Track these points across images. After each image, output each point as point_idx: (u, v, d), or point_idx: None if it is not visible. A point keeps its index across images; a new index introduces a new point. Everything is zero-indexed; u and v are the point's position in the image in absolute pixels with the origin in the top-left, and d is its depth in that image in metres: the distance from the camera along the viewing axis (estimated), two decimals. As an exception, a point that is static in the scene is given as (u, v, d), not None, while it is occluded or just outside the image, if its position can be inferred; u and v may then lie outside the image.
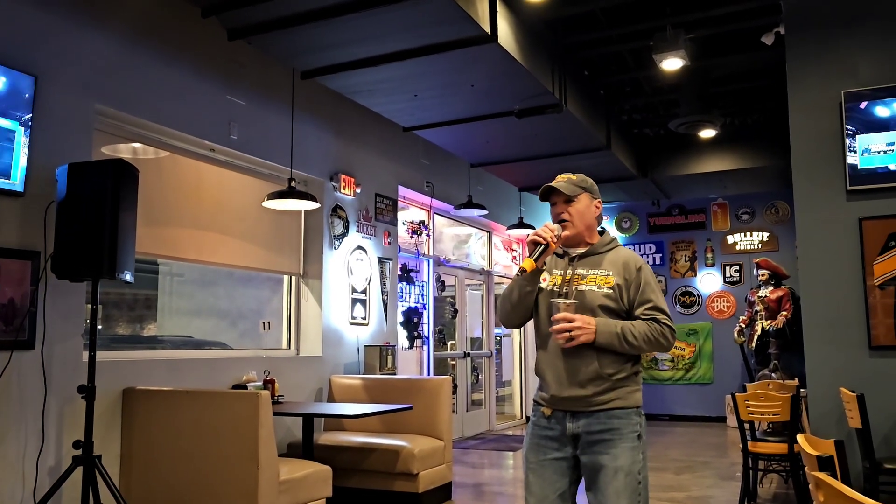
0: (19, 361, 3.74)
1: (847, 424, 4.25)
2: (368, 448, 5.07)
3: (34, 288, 3.81)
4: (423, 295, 8.08)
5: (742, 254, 10.57)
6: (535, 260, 2.33)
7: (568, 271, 2.44)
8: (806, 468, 2.03)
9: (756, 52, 6.19)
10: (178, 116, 4.85)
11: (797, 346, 6.39)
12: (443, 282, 8.67)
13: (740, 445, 5.01)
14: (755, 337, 8.99)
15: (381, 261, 6.96)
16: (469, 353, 9.10)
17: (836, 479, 1.61)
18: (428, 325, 8.08)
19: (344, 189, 6.42)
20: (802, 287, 4.76)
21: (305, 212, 6.12)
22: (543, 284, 2.45)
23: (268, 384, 5.14)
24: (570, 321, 2.28)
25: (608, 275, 2.39)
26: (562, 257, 2.50)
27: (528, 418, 10.34)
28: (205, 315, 7.34)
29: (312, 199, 5.27)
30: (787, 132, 4.88)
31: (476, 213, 8.11)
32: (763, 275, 9.10)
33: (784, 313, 8.72)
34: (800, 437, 2.11)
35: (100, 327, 4.14)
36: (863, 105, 4.59)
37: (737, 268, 10.60)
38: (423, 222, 8.17)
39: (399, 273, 7.42)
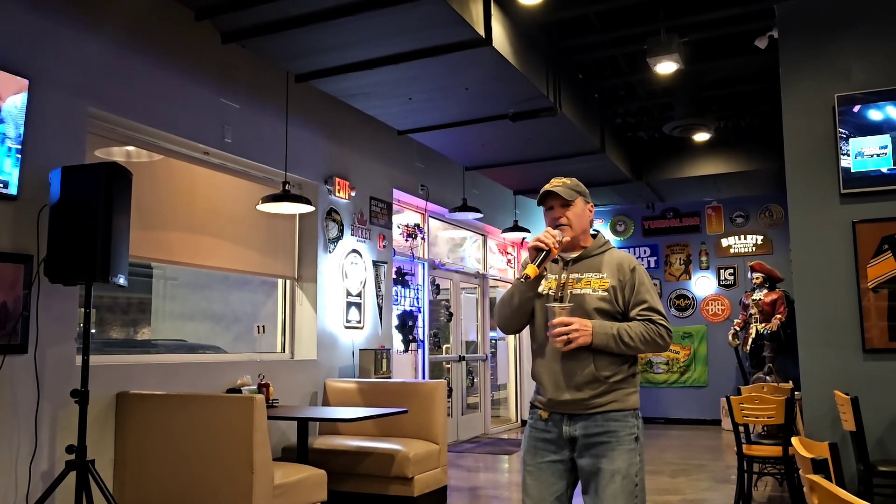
0: (12, 365, 3.72)
1: (841, 427, 4.26)
2: (363, 452, 5.06)
3: (27, 292, 3.79)
4: (418, 298, 8.07)
5: (736, 257, 10.59)
6: (538, 265, 2.34)
7: (563, 275, 2.44)
8: (800, 471, 2.03)
9: (750, 56, 6.21)
10: (171, 119, 4.84)
11: (791, 349, 6.41)
12: (438, 285, 8.67)
13: (735, 448, 5.01)
14: (750, 340, 9.00)
15: (375, 264, 6.95)
16: (464, 357, 9.09)
17: (831, 481, 1.61)
18: (423, 329, 8.07)
19: (338, 192, 6.42)
20: (796, 290, 4.78)
21: (300, 215, 6.11)
22: (539, 289, 2.46)
23: (262, 388, 5.13)
24: (566, 324, 2.29)
25: (602, 277, 2.40)
26: (556, 262, 2.50)
27: (523, 422, 10.35)
28: (199, 319, 7.31)
29: (307, 202, 5.26)
30: (781, 135, 4.90)
31: (471, 216, 8.11)
32: (757, 278, 9.11)
33: (778, 316, 8.74)
34: (794, 440, 2.11)
35: (93, 331, 4.12)
36: (856, 108, 4.61)
37: (731, 271, 10.62)
38: (417, 225, 8.17)
39: (394, 276, 7.41)
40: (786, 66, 4.90)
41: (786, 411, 4.72)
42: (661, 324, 2.36)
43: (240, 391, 4.91)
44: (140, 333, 7.02)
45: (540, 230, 2.53)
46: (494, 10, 4.99)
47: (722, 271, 10.68)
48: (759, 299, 9.01)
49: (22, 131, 3.77)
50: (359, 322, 6.65)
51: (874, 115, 4.58)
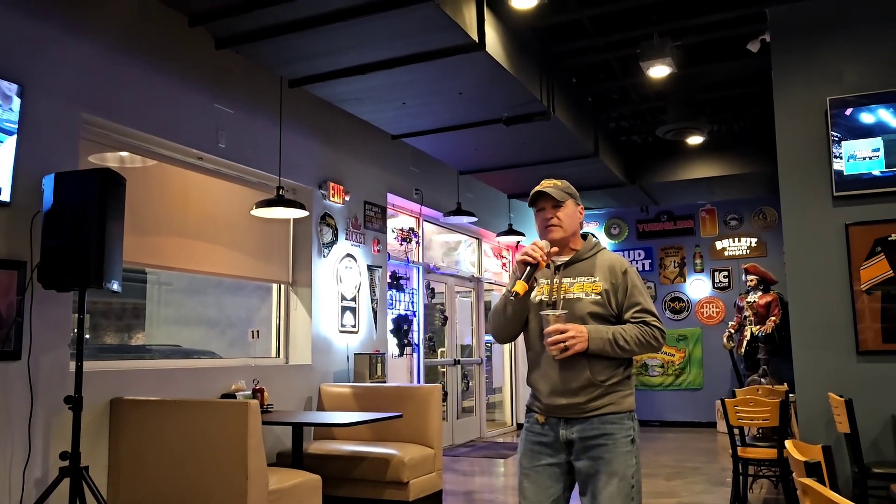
0: (5, 372, 3.71)
1: (836, 429, 4.27)
2: (358, 457, 5.05)
3: (20, 298, 3.78)
4: (412, 302, 8.07)
5: (730, 259, 10.62)
6: (527, 280, 2.34)
7: (554, 280, 2.44)
8: (794, 474, 2.03)
9: (742, 60, 6.23)
10: (165, 125, 4.83)
11: (786, 351, 6.42)
12: (433, 289, 8.66)
13: (730, 451, 5.02)
14: (744, 342, 9.02)
15: (370, 268, 6.95)
16: (459, 361, 9.09)
17: (824, 484, 1.62)
18: (418, 333, 8.07)
19: (333, 197, 6.42)
20: (790, 292, 4.79)
21: (294, 220, 6.11)
22: (532, 295, 2.45)
23: (257, 393, 5.12)
24: (562, 332, 2.28)
25: (595, 281, 2.40)
26: (547, 266, 2.50)
27: (519, 425, 10.37)
28: (193, 324, 7.30)
29: (301, 207, 5.26)
30: (774, 139, 4.92)
31: (465, 220, 8.11)
32: (751, 280, 9.14)
33: (773, 318, 8.76)
34: (788, 443, 2.11)
35: (87, 337, 4.12)
36: (848, 112, 4.63)
37: (725, 273, 10.65)
38: (412, 230, 8.17)
39: (389, 281, 7.41)
40: (778, 69, 4.92)
41: (780, 414, 4.73)
42: (654, 325, 2.36)
43: (234, 396, 4.89)
44: (134, 339, 7.01)
45: (534, 234, 2.53)
46: (488, 15, 5.00)
47: (716, 274, 10.70)
48: (754, 302, 9.04)
49: (15, 137, 3.76)
50: (353, 326, 6.64)
51: (866, 118, 4.60)
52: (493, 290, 10.31)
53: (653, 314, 2.38)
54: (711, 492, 5.88)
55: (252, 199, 5.41)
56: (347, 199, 6.63)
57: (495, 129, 6.51)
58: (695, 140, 7.76)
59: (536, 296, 2.44)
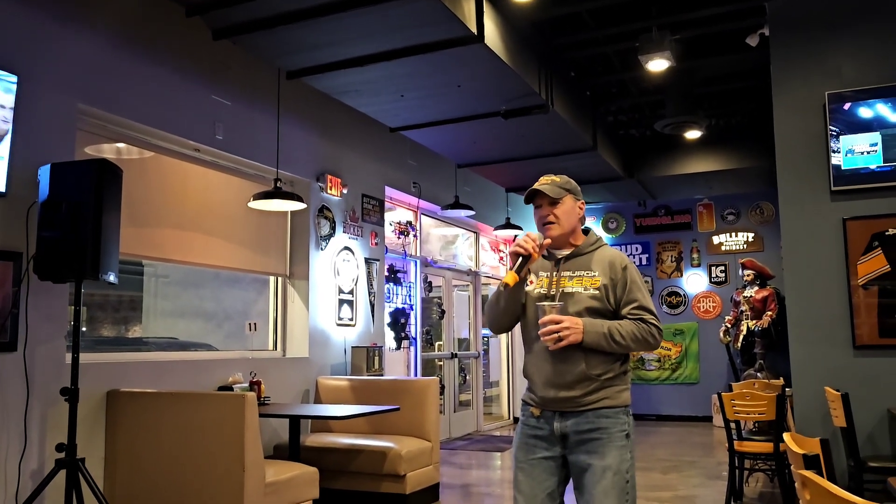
0: (1, 364, 3.70)
1: (832, 423, 4.28)
2: (355, 449, 5.05)
3: (16, 289, 3.76)
4: (410, 296, 8.07)
5: (727, 254, 10.63)
6: (518, 272, 2.33)
7: (554, 273, 2.44)
8: (792, 467, 2.03)
9: (741, 54, 6.23)
10: (162, 116, 4.81)
11: (782, 345, 6.44)
12: (430, 283, 8.66)
13: (726, 445, 5.03)
14: (741, 337, 9.04)
15: (367, 261, 6.94)
16: (456, 354, 9.09)
17: (822, 477, 1.62)
18: (415, 326, 8.07)
19: (330, 189, 6.40)
20: (787, 287, 4.80)
21: (292, 212, 6.09)
22: (530, 288, 2.45)
23: (254, 386, 5.11)
24: (557, 322, 2.28)
25: (594, 275, 2.39)
26: (548, 259, 2.50)
27: (515, 419, 10.38)
28: (190, 316, 7.29)
29: (299, 199, 5.25)
30: (772, 133, 4.91)
31: (463, 213, 8.10)
32: (748, 275, 9.15)
33: (769, 313, 8.78)
34: (786, 436, 2.12)
35: (84, 329, 4.11)
36: (846, 106, 4.63)
37: (722, 268, 10.66)
38: (410, 223, 8.16)
39: (386, 274, 7.40)
40: (777, 63, 4.92)
41: (777, 408, 4.74)
42: (652, 323, 2.36)
43: (231, 389, 4.89)
44: (131, 331, 7.00)
45: (532, 228, 2.52)
46: (487, 8, 4.98)
47: (713, 268, 10.72)
48: (751, 296, 9.05)
49: (10, 127, 3.74)
50: (351, 319, 6.64)
51: (864, 112, 4.59)
52: (490, 283, 10.31)
53: (651, 312, 2.37)
54: (707, 485, 5.90)
55: (249, 192, 5.39)
56: (345, 191, 6.62)
57: (494, 123, 6.49)
58: (693, 134, 7.76)
59: (535, 289, 2.44)
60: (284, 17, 4.61)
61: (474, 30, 4.81)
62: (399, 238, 7.95)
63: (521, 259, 2.34)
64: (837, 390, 4.12)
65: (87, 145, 4.47)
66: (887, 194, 4.52)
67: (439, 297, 8.97)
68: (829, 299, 4.58)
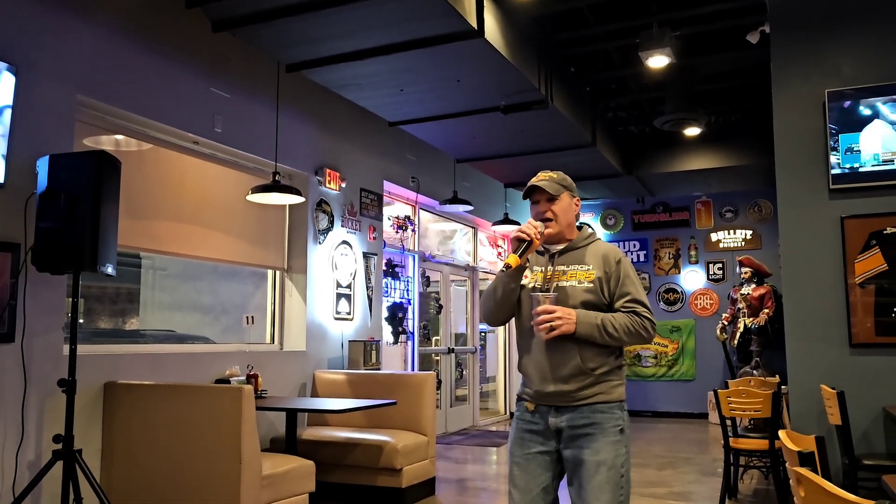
0: (-2, 355, 3.70)
1: (827, 421, 4.29)
2: (352, 443, 5.06)
3: (14, 281, 3.76)
4: (407, 290, 8.07)
5: (725, 251, 10.64)
6: (520, 256, 2.35)
7: (548, 268, 2.45)
8: (787, 464, 2.04)
9: (741, 51, 6.23)
10: (161, 108, 4.80)
11: (779, 343, 6.44)
12: (428, 277, 8.66)
13: (722, 441, 5.05)
14: (737, 334, 9.04)
15: (365, 256, 6.94)
16: (453, 349, 9.10)
17: (817, 474, 1.63)
18: (412, 321, 8.08)
19: (329, 183, 6.40)
20: (784, 285, 4.80)
21: (290, 206, 6.09)
22: (525, 282, 2.46)
23: (251, 379, 5.12)
24: (550, 312, 2.29)
25: (588, 269, 2.41)
26: (542, 254, 2.52)
27: (512, 414, 10.36)
28: (188, 309, 7.29)
29: (297, 193, 5.24)
30: (771, 131, 4.91)
31: (461, 208, 8.10)
32: (746, 272, 9.15)
33: (766, 311, 8.79)
34: (781, 433, 2.13)
35: (81, 321, 4.10)
36: (846, 104, 4.63)
37: (720, 265, 10.67)
38: (408, 217, 8.16)
39: (384, 268, 7.40)
40: (777, 61, 4.91)
41: (772, 405, 4.76)
42: (645, 316, 2.36)
43: (228, 382, 4.90)
44: (128, 323, 7.00)
45: (524, 223, 2.54)
46: (487, 3, 4.97)
47: (711, 266, 10.73)
48: (748, 294, 9.05)
49: (9, 118, 3.73)
50: (348, 313, 6.64)
51: (864, 111, 4.59)
52: (487, 279, 10.31)
53: (644, 305, 2.38)
54: (702, 482, 5.92)
55: (248, 185, 5.39)
56: (344, 185, 6.61)
57: (493, 118, 6.49)
58: (692, 131, 7.76)
59: (530, 282, 2.46)
60: (284, 10, 4.60)
61: (474, 24, 4.80)
62: (397, 232, 7.94)
63: (523, 244, 2.35)
64: (833, 388, 4.13)
65: (85, 137, 4.46)
66: (885, 193, 4.52)
67: (437, 292, 8.98)
68: (827, 297, 4.59)
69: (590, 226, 2.61)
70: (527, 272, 2.48)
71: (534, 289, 2.43)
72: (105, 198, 3.58)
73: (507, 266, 2.35)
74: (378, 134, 7.12)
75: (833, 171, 4.62)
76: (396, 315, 7.65)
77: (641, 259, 11.05)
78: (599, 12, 5.84)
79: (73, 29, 4.24)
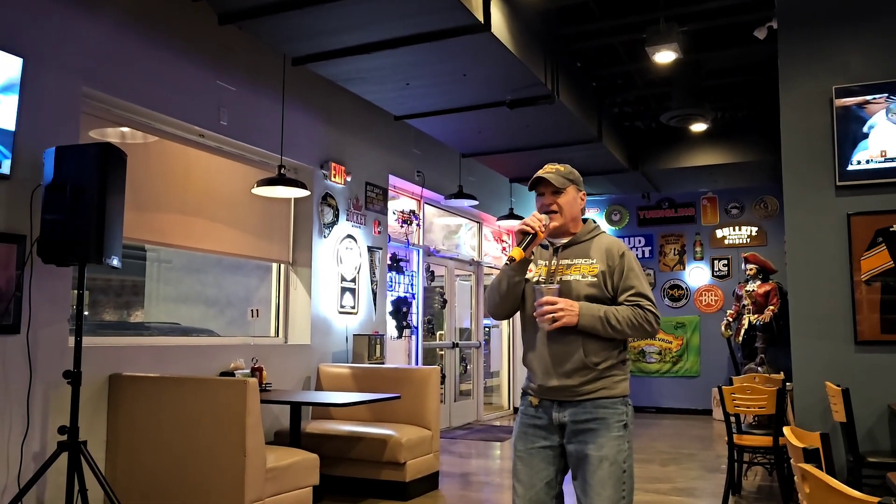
0: (4, 346, 3.71)
1: (832, 418, 4.28)
2: (356, 437, 5.07)
3: (20, 272, 3.77)
4: (412, 285, 8.08)
5: (730, 248, 10.62)
6: (524, 249, 2.33)
7: (553, 262, 2.44)
8: (792, 460, 2.04)
9: (748, 47, 6.20)
10: (167, 101, 4.80)
11: (784, 340, 6.44)
12: (432, 272, 8.66)
13: (726, 438, 5.04)
14: (742, 331, 9.04)
15: (370, 250, 6.94)
16: (458, 344, 9.11)
17: (822, 471, 1.62)
18: (417, 315, 8.08)
19: (334, 177, 6.40)
20: (790, 282, 4.79)
21: (295, 199, 6.09)
22: (529, 275, 2.45)
23: (255, 372, 5.13)
24: (553, 304, 2.28)
25: (592, 263, 2.40)
26: (546, 248, 2.50)
27: (516, 409, 10.34)
28: (192, 302, 7.31)
29: (302, 186, 5.24)
30: (778, 127, 4.89)
31: (466, 203, 8.10)
32: (751, 269, 9.14)
33: (771, 307, 8.77)
34: (786, 430, 2.12)
35: (86, 313, 4.12)
36: (854, 101, 4.60)
37: (725, 262, 10.65)
38: (413, 212, 8.16)
39: (388, 262, 7.41)
40: (784, 57, 4.89)
41: (777, 402, 4.74)
42: (649, 309, 2.34)
43: (233, 375, 4.91)
44: (133, 316, 7.02)
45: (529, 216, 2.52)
46: (493, -4, 4.96)
47: (716, 262, 10.71)
48: (753, 290, 9.04)
49: (15, 110, 3.74)
50: (353, 307, 6.65)
51: (872, 107, 4.57)
52: (492, 273, 10.30)
53: (648, 298, 2.36)
54: (706, 478, 5.92)
55: (253, 178, 5.39)
56: (349, 179, 6.61)
57: (499, 112, 6.48)
58: (698, 127, 7.73)
59: (534, 276, 2.44)
60: (290, 3, 4.59)
61: (481, 18, 4.78)
62: (402, 227, 7.94)
63: (528, 237, 2.34)
64: (838, 385, 4.12)
65: (91, 129, 4.46)
66: (892, 190, 4.50)
67: (441, 287, 8.98)
68: (832, 294, 4.57)
69: (594, 220, 2.59)
70: (531, 266, 2.47)
71: (538, 283, 2.42)
72: (111, 190, 3.59)
73: (511, 259, 2.34)
74: (383, 128, 7.11)
75: (839, 169, 4.60)
76: (401, 309, 7.65)
77: (646, 255, 11.03)
78: (606, 7, 5.82)
79: (80, 21, 4.24)
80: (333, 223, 6.42)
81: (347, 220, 6.62)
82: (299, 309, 6.13)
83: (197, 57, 5.05)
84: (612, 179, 9.40)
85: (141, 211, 4.74)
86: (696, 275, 10.80)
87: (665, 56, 5.85)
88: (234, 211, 5.58)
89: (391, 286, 7.55)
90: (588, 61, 6.91)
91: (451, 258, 9.16)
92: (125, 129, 4.77)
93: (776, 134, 4.96)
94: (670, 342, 10.74)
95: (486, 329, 10.19)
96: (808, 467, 1.57)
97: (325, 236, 6.30)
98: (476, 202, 8.16)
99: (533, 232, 2.34)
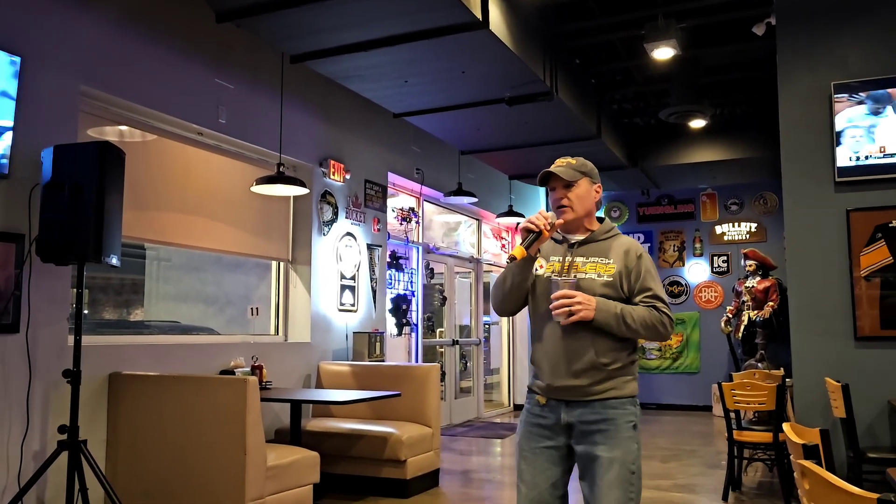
0: (3, 345, 3.71)
1: (832, 414, 4.28)
2: (356, 434, 5.07)
3: (18, 271, 3.77)
4: (411, 282, 8.07)
5: (730, 244, 10.61)
6: (527, 248, 2.27)
7: (567, 258, 2.38)
8: (792, 456, 2.04)
9: (747, 43, 6.19)
10: (165, 99, 4.80)
11: (783, 336, 6.44)
12: (432, 269, 8.66)
13: (726, 434, 5.05)
14: (742, 327, 9.04)
15: (370, 247, 6.94)
16: (458, 341, 9.11)
17: (822, 467, 1.62)
18: (416, 313, 8.08)
19: (333, 175, 6.39)
20: (790, 278, 4.79)
21: (294, 197, 6.09)
22: (541, 272, 2.39)
23: (256, 370, 5.13)
24: (569, 297, 2.23)
25: (609, 263, 2.34)
26: (560, 243, 2.43)
27: (516, 406, 10.39)
28: (192, 300, 7.31)
29: (301, 184, 5.24)
30: (777, 123, 4.89)
31: (466, 200, 8.09)
32: (750, 265, 9.14)
33: (771, 304, 8.77)
34: (786, 426, 2.12)
35: (86, 312, 4.11)
36: (852, 97, 4.60)
37: (725, 258, 10.65)
38: (412, 209, 8.15)
39: (388, 260, 7.40)
40: (783, 53, 4.88)
41: (777, 398, 4.75)
42: (664, 311, 2.31)
43: (233, 373, 4.91)
44: (133, 314, 7.02)
45: (534, 214, 2.48)
46: (492, -7, 4.95)
47: (715, 258, 10.70)
48: (752, 287, 9.04)
49: (13, 109, 3.73)
50: (353, 305, 6.64)
51: (871, 103, 4.56)
52: (492, 271, 10.31)
53: (664, 301, 2.33)
54: (707, 474, 5.92)
55: (252, 176, 5.39)
56: (348, 177, 6.61)
57: (498, 109, 6.47)
58: (697, 124, 7.72)
59: (545, 272, 2.38)
60: (288, 0, 4.58)
61: (479, 16, 4.78)
62: (401, 224, 7.94)
63: (531, 236, 2.27)
64: (838, 381, 4.12)
65: (89, 128, 4.46)
66: (891, 186, 4.50)
67: (441, 284, 8.98)
68: (832, 290, 4.57)
69: (609, 220, 2.53)
70: (542, 261, 2.40)
71: (553, 276, 2.35)
72: (109, 189, 3.59)
73: (513, 258, 2.29)
74: (382, 125, 7.11)
75: (839, 164, 4.60)
76: (400, 307, 7.65)
77: (646, 251, 11.02)
78: (605, 3, 5.81)
79: (78, 19, 4.23)
80: (333, 221, 6.42)
81: (347, 217, 6.62)
82: (299, 307, 6.13)
83: (195, 55, 5.04)
84: (611, 176, 9.39)
85: (140, 209, 4.73)
86: (696, 271, 10.80)
87: (664, 52, 5.84)
88: (233, 209, 5.57)
89: (391, 284, 7.55)
90: (587, 58, 6.90)
91: (451, 255, 9.16)
92: (123, 128, 4.77)
93: (775, 130, 4.96)
94: (670, 338, 10.74)
95: (486, 326, 10.19)
96: (808, 464, 1.57)
97: (324, 234, 6.30)
98: (475, 199, 8.16)
99: (537, 230, 2.27)
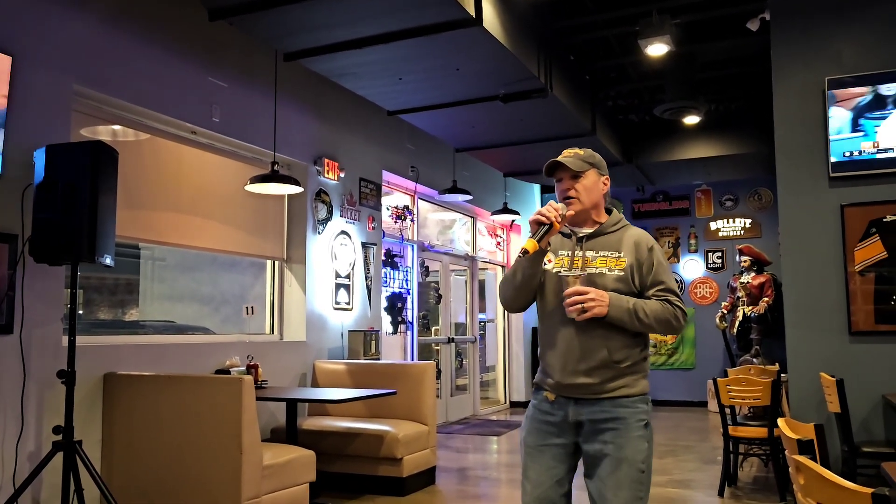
0: (-3, 346, 3.69)
1: (826, 409, 4.30)
2: (352, 433, 5.07)
3: (12, 272, 3.75)
4: (407, 280, 8.07)
5: (725, 240, 10.64)
6: (539, 241, 2.21)
7: (576, 252, 2.33)
8: (786, 451, 2.04)
9: (741, 39, 6.19)
10: (158, 98, 4.78)
11: (778, 331, 6.45)
12: (427, 267, 8.66)
13: (721, 429, 5.06)
14: (737, 323, 9.04)
15: (365, 246, 6.93)
16: (453, 339, 9.11)
17: (816, 462, 1.62)
18: (412, 311, 8.08)
19: (328, 173, 6.38)
20: (784, 273, 4.80)
21: (288, 196, 6.08)
22: (549, 266, 2.34)
23: (251, 369, 5.12)
24: (582, 293, 2.19)
25: (620, 256, 2.30)
26: (568, 237, 2.38)
27: (512, 403, 10.38)
28: (187, 300, 7.29)
29: (296, 183, 5.23)
30: (772, 119, 4.90)
31: (461, 198, 8.08)
32: (745, 261, 9.14)
33: (766, 299, 8.78)
34: (780, 421, 2.12)
35: (80, 312, 4.09)
36: (847, 92, 4.61)
37: (719, 254, 10.67)
38: (407, 207, 8.14)
39: (383, 258, 7.40)
40: (777, 49, 4.89)
41: (772, 393, 4.76)
42: (677, 305, 2.27)
43: (228, 372, 4.90)
44: (128, 314, 7.00)
45: (529, 212, 2.47)
46: (485, -10, 4.94)
47: (710, 254, 10.73)
48: (747, 282, 9.05)
49: (5, 109, 3.71)
50: (348, 304, 6.64)
51: (865, 98, 4.57)
52: (487, 268, 10.31)
53: (677, 295, 2.29)
54: (703, 470, 5.93)
55: (246, 175, 5.37)
56: (342, 175, 6.60)
57: (492, 107, 6.46)
58: (692, 120, 7.73)
59: (556, 267, 2.33)
60: (281, -1, 4.57)
61: (473, 13, 4.77)
62: (396, 222, 7.93)
63: (543, 228, 2.21)
64: (833, 376, 4.13)
65: (82, 127, 4.44)
66: (885, 181, 4.51)
67: (436, 282, 8.97)
68: (826, 286, 4.59)
69: (617, 212, 2.48)
70: (551, 256, 2.34)
71: (563, 271, 2.30)
72: (103, 188, 3.57)
73: (525, 251, 2.21)
74: (377, 123, 7.09)
75: (833, 159, 4.61)
76: (396, 305, 7.65)
77: (641, 248, 11.03)
78: (599, 0, 5.81)
79: (70, 18, 4.21)
80: (327, 219, 6.41)
81: (341, 216, 6.61)
82: (294, 306, 6.12)
83: (188, 53, 5.02)
84: (606, 173, 9.39)
85: (134, 209, 4.72)
86: (691, 267, 10.82)
87: (658, 48, 5.84)
88: (227, 208, 5.56)
89: (386, 282, 7.54)
90: (581, 54, 6.90)
91: (446, 253, 9.16)
92: (116, 127, 4.75)
93: (770, 125, 4.97)
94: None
95: (482, 323, 10.19)
96: (803, 459, 1.58)
97: (319, 233, 6.29)
98: (470, 197, 8.15)
99: (548, 222, 2.21)
